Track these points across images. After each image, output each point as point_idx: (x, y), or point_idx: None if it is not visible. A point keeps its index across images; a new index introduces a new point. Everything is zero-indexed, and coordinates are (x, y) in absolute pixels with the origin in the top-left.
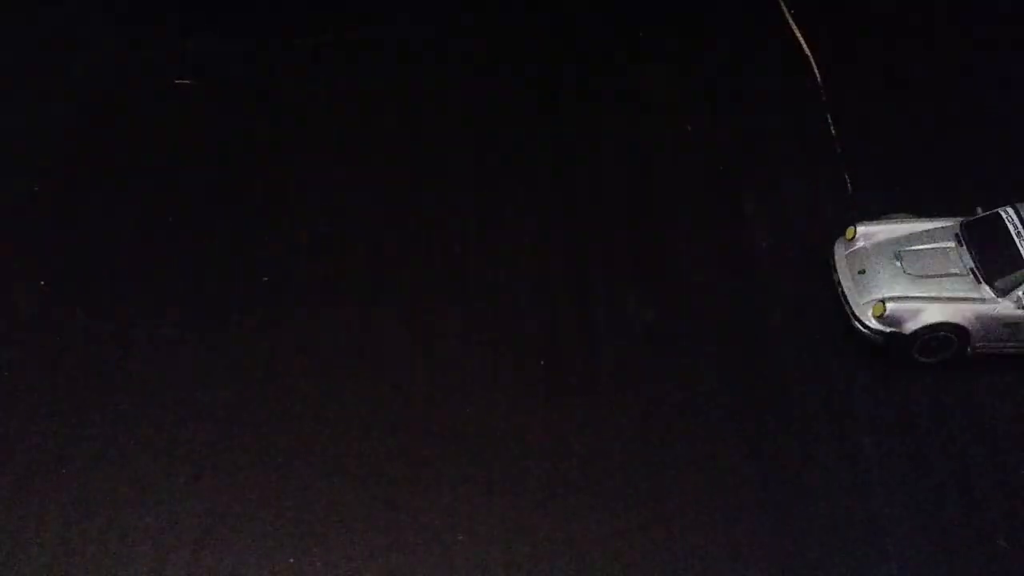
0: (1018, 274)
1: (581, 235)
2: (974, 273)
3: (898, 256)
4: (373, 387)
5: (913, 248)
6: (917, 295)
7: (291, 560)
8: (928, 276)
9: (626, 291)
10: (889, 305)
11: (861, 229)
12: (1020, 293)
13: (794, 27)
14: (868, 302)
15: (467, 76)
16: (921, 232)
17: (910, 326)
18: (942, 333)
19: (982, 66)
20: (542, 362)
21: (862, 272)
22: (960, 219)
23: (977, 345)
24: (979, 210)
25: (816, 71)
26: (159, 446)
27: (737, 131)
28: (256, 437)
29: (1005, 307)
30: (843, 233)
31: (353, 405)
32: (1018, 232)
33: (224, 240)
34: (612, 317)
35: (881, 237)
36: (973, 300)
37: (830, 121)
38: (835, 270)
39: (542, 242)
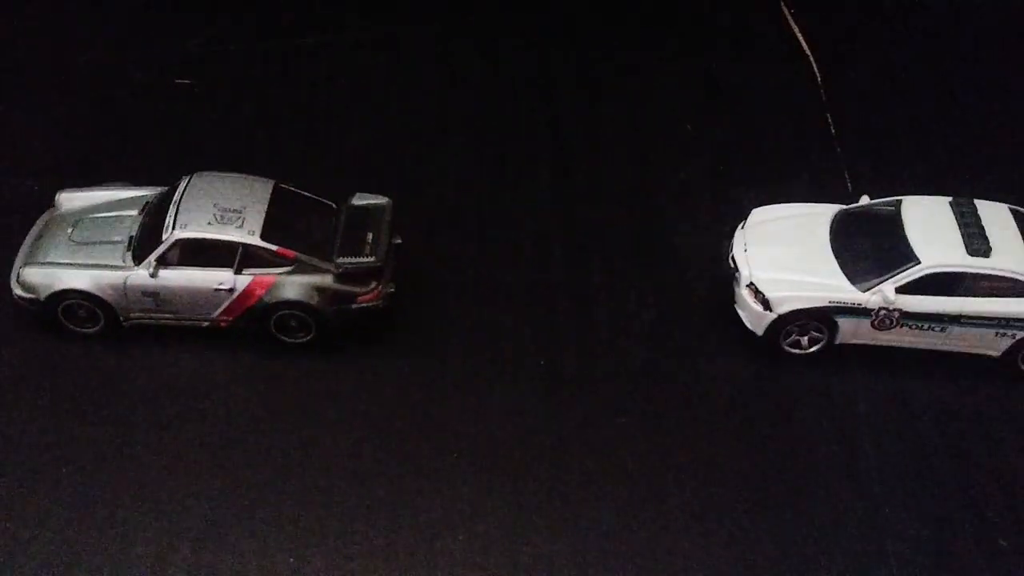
0: (156, 243)
1: (581, 235)
2: (130, 241)
3: (75, 223)
4: (373, 387)
5: (95, 216)
6: (55, 261)
7: (291, 560)
8: (87, 243)
9: (626, 291)
10: (23, 270)
11: (63, 196)
12: (153, 260)
13: (794, 27)
14: (19, 268)
15: (467, 76)
16: (118, 200)
17: (45, 292)
18: (76, 300)
19: (982, 66)
20: (542, 362)
21: (40, 237)
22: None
23: (132, 316)
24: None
25: (816, 71)
26: (159, 446)
27: (737, 131)
28: (256, 437)
29: (139, 275)
30: None
31: (353, 404)
32: (176, 202)
33: None
34: (612, 317)
35: (77, 204)
36: (110, 268)
37: (830, 121)
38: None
39: (542, 242)
